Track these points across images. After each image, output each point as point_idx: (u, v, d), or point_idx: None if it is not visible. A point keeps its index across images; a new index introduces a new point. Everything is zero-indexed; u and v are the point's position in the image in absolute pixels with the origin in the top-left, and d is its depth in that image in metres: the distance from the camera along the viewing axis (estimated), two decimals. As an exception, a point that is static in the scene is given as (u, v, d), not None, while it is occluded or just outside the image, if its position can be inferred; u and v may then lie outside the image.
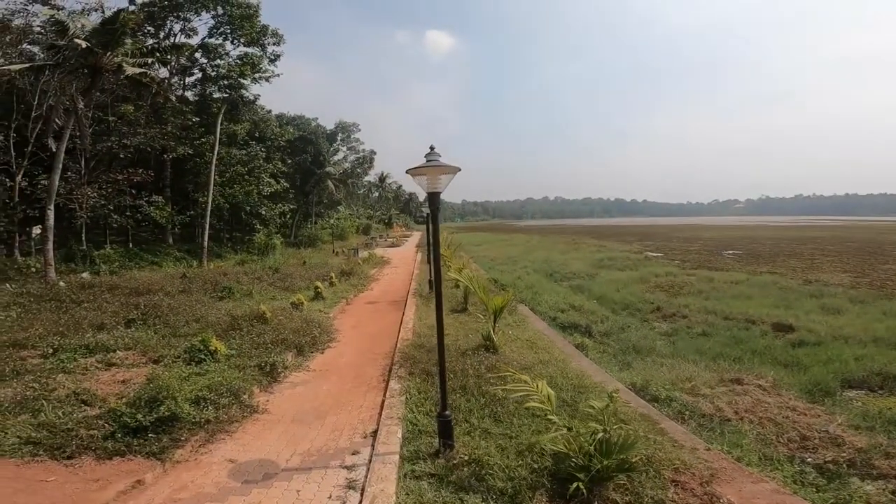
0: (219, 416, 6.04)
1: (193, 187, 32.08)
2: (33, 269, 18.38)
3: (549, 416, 4.62)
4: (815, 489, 5.00)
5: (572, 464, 4.24)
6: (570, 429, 4.50)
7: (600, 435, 4.27)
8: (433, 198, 5.20)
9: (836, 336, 11.98)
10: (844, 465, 5.52)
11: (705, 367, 9.39)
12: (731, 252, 39.57)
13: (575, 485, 4.00)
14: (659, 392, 7.60)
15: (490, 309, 9.70)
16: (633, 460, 4.28)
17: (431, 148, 5.03)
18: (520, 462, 4.64)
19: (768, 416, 6.87)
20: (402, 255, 34.70)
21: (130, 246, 27.65)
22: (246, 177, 33.24)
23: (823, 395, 8.19)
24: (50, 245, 17.54)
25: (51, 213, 17.81)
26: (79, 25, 18.09)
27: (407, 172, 5.07)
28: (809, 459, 5.69)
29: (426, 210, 21.75)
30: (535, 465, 4.57)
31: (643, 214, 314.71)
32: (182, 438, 5.48)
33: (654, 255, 38.69)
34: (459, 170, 5.07)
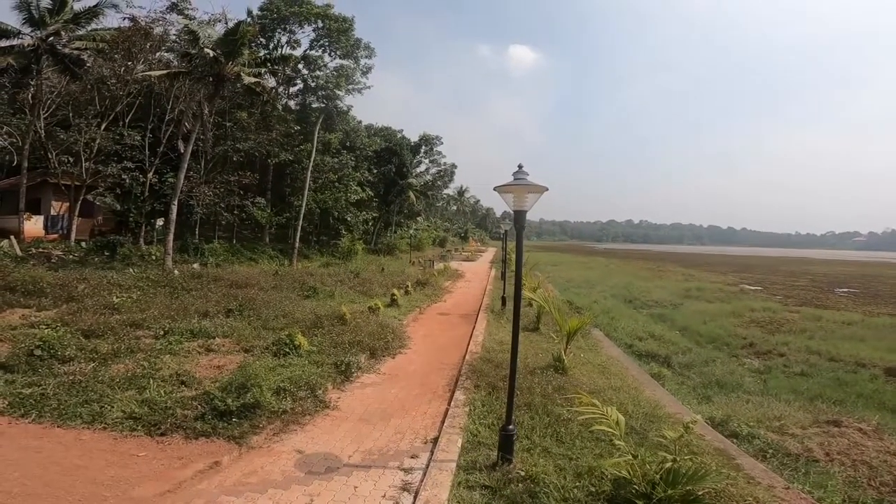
0: (294, 408, 6.49)
1: (290, 191, 34.75)
2: (153, 257, 20.78)
3: (616, 442, 4.50)
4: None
5: (633, 490, 4.11)
6: (635, 456, 4.36)
7: (668, 464, 4.11)
8: (519, 216, 5.18)
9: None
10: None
11: (799, 408, 8.74)
12: (845, 290, 35.42)
13: (634, 514, 3.87)
14: (740, 428, 7.17)
15: (564, 330, 9.57)
16: (700, 493, 4.08)
17: (520, 166, 5.08)
18: (577, 484, 4.58)
19: (863, 460, 6.29)
20: (476, 270, 34.88)
21: (234, 242, 30.46)
22: (336, 184, 35.43)
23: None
24: (171, 237, 19.91)
25: (174, 208, 20.23)
26: (207, 35, 20.34)
27: (495, 189, 5.15)
28: None
29: (504, 226, 21.90)
30: (593, 489, 4.48)
31: (742, 244, 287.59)
32: (260, 425, 5.92)
33: (752, 288, 35.54)
34: (546, 189, 5.07)
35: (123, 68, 22.97)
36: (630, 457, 4.36)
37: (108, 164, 22.97)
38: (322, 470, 5.16)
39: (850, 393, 10.29)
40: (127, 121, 23.86)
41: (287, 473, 5.06)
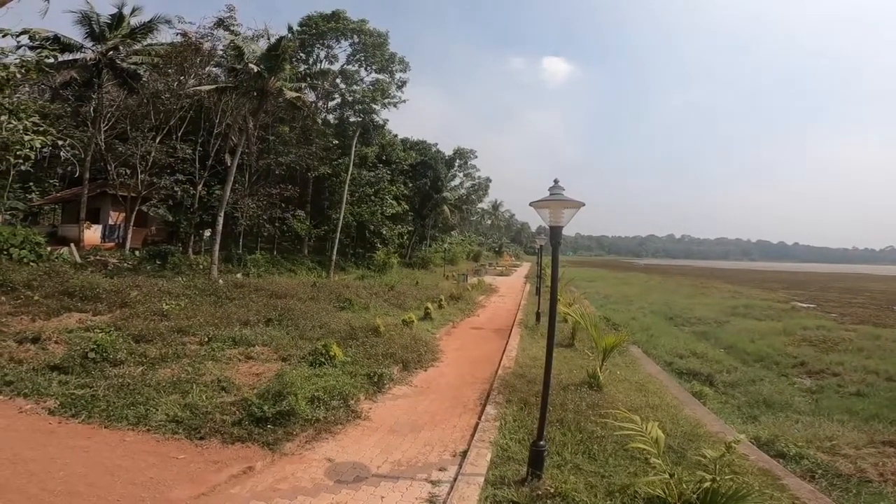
0: (327, 417, 6.64)
1: (328, 204, 35.63)
2: (201, 266, 21.66)
3: (652, 460, 4.37)
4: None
5: (668, 511, 3.97)
6: (672, 475, 4.21)
7: (707, 484, 3.96)
8: (555, 231, 5.15)
9: None
10: None
11: (853, 428, 8.27)
12: (906, 309, 32.87)
13: (667, 536, 3.74)
14: (787, 448, 6.85)
15: (600, 347, 9.38)
16: (739, 515, 3.88)
17: (555, 181, 5.05)
18: (608, 502, 4.47)
19: None
20: (511, 285, 34.57)
21: (275, 253, 31.44)
22: (372, 197, 36.08)
23: None
24: (217, 247, 20.74)
25: (220, 220, 21.10)
26: (251, 50, 21.16)
27: (530, 205, 5.15)
28: None
29: (539, 241, 21.66)
30: (625, 509, 4.34)
31: (794, 259, 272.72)
32: (294, 433, 6.09)
33: (805, 305, 33.59)
34: (583, 205, 5.03)
35: (176, 82, 24.22)
36: (666, 476, 4.22)
37: (161, 177, 24.21)
38: (351, 479, 5.24)
39: (910, 413, 9.58)
40: (179, 134, 25.05)
41: (316, 481, 5.17)
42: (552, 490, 4.65)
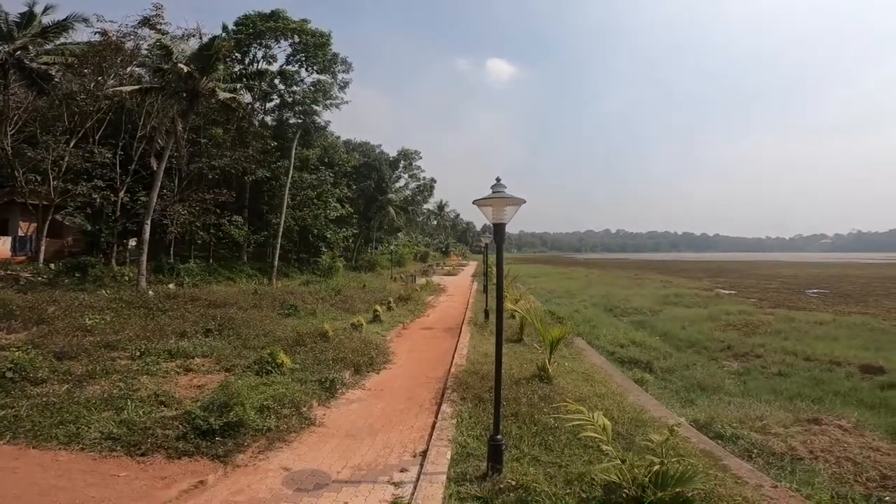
0: (279, 426, 6.40)
1: (268, 209, 34.26)
2: (126, 278, 20.26)
3: (604, 447, 4.54)
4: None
5: (624, 494, 4.15)
6: (623, 460, 4.39)
7: (657, 467, 4.16)
8: (498, 229, 5.22)
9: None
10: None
11: (779, 407, 8.92)
12: (815, 291, 36.55)
13: (625, 517, 3.89)
14: (724, 430, 7.27)
15: (546, 340, 9.63)
16: (690, 494, 4.12)
17: (497, 179, 5.13)
18: (568, 490, 4.59)
19: (847, 456, 6.43)
20: (458, 284, 34.94)
21: (210, 261, 29.84)
22: (315, 200, 35.08)
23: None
24: (144, 257, 19.37)
25: (147, 228, 19.74)
26: (180, 49, 20.06)
27: (474, 203, 5.20)
28: (888, 498, 5.32)
29: (484, 240, 21.98)
30: (584, 495, 4.50)
31: (715, 249, 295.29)
32: (245, 444, 5.83)
33: (727, 292, 36.38)
34: (524, 202, 5.14)
35: (93, 83, 22.49)
36: (618, 461, 4.40)
37: (77, 183, 22.32)
38: (310, 487, 5.09)
39: (828, 391, 10.50)
40: (97, 138, 23.29)
41: (275, 491, 4.98)
42: (514, 483, 4.71)
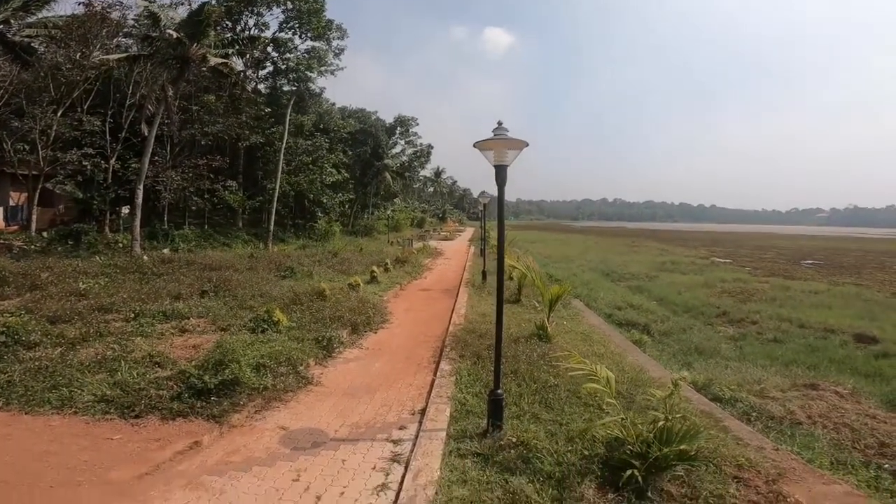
0: (276, 385, 6.31)
1: (263, 174, 33.78)
2: (120, 245, 19.99)
3: (607, 399, 4.48)
4: (890, 494, 4.64)
5: (628, 450, 4.10)
6: (625, 418, 4.34)
7: (661, 423, 4.10)
8: (500, 171, 5.06)
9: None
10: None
11: (776, 372, 8.89)
12: (810, 262, 36.73)
13: (630, 472, 3.85)
14: (723, 392, 7.24)
15: (545, 298, 9.58)
16: (693, 452, 4.07)
17: (499, 123, 4.99)
18: (569, 448, 4.54)
19: (844, 422, 6.40)
20: (456, 248, 34.88)
21: (206, 227, 29.51)
22: (310, 166, 34.57)
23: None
24: (137, 222, 19.12)
25: (140, 193, 19.41)
26: (169, 17, 19.47)
27: (475, 146, 5.02)
28: (887, 465, 5.30)
29: (483, 200, 21.69)
30: (586, 452, 4.45)
31: (712, 220, 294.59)
32: (241, 403, 5.73)
33: (722, 260, 36.52)
34: (527, 144, 4.96)
35: (79, 54, 21.71)
36: (622, 416, 4.35)
37: (66, 152, 21.79)
38: (308, 445, 5.03)
39: (823, 358, 10.51)
40: (85, 107, 22.60)
41: (271, 450, 4.92)
42: (514, 440, 4.66)
